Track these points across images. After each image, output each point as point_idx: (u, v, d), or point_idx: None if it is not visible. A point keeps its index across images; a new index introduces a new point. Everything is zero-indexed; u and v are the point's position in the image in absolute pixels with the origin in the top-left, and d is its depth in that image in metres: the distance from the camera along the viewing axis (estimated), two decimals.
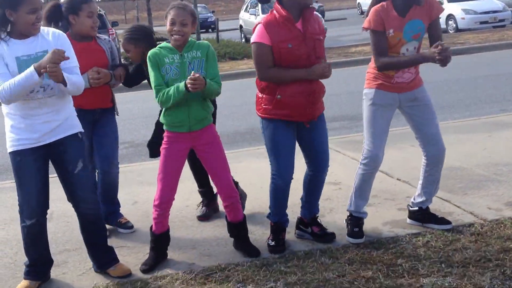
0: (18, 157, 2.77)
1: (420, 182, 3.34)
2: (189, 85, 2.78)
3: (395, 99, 3.15)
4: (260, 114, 3.08)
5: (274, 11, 2.97)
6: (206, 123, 3.00)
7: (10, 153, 2.79)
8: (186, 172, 4.12)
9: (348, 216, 3.28)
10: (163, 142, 3.01)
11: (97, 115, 3.43)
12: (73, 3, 3.28)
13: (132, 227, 3.59)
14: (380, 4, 3.07)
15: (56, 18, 3.30)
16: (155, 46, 3.03)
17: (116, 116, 3.63)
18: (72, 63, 2.79)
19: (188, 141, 2.99)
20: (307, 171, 3.19)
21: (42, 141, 2.77)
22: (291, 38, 2.91)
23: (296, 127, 3.07)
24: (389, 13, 3.03)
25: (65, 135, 2.82)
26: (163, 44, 2.99)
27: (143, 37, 3.39)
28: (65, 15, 3.30)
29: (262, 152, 4.90)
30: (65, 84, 2.67)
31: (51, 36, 2.79)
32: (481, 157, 4.57)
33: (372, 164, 3.19)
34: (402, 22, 3.03)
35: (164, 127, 3.02)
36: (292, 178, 3.12)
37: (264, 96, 3.04)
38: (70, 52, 2.80)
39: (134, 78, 3.59)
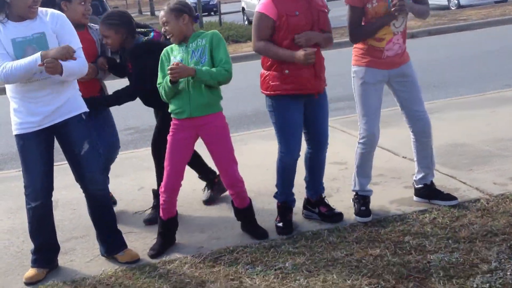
0: (21, 140, 2.78)
1: (415, 158, 3.37)
2: (168, 74, 2.81)
3: (385, 75, 3.16)
4: (267, 92, 3.07)
5: None
6: (210, 111, 2.95)
7: (14, 136, 2.81)
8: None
9: (354, 196, 3.29)
10: (170, 130, 3.01)
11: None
12: None
13: (115, 202, 3.69)
14: None
15: (48, 4, 3.25)
16: (135, 33, 3.07)
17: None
18: (75, 45, 2.77)
19: (192, 129, 2.97)
20: (307, 150, 3.21)
21: (43, 124, 2.77)
22: (298, 7, 2.94)
23: (303, 103, 3.07)
24: None
25: (68, 117, 2.81)
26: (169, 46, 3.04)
27: (123, 23, 3.28)
28: (57, 1, 3.25)
29: (267, 134, 4.91)
30: (61, 74, 2.67)
31: (49, 17, 2.76)
32: (486, 133, 4.55)
33: (369, 143, 3.20)
34: None
35: (172, 115, 3.03)
36: (300, 156, 3.12)
37: (270, 73, 3.04)
38: (72, 33, 2.80)
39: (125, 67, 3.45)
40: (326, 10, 3.07)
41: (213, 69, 2.88)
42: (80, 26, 3.31)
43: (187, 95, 2.91)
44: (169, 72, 2.82)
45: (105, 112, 3.56)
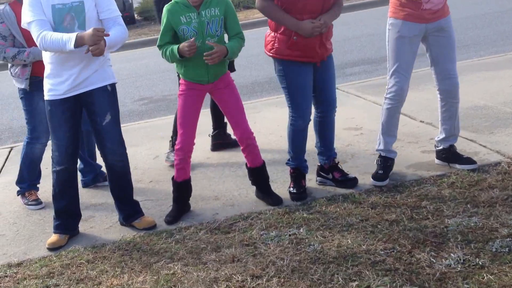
0: (49, 106, 2.85)
1: (439, 118, 3.29)
2: (207, 61, 2.79)
3: (422, 29, 3.06)
4: (272, 54, 3.02)
5: None
6: (221, 74, 2.98)
7: (45, 100, 2.88)
8: (205, 124, 4.12)
9: (378, 157, 3.25)
10: (180, 89, 3.00)
11: None
12: None
13: (41, 203, 3.52)
14: None
15: None
16: None
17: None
18: (113, 12, 2.81)
19: (206, 88, 3.00)
20: (316, 114, 3.17)
21: (69, 92, 2.81)
22: None
23: (312, 67, 3.03)
24: None
25: (93, 87, 2.84)
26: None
27: None
28: None
29: (280, 100, 4.85)
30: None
31: None
32: (508, 94, 4.42)
33: (397, 98, 3.15)
34: None
35: (181, 76, 3.00)
36: (311, 120, 3.10)
37: (277, 35, 2.98)
38: (108, 1, 2.81)
39: None
40: None
41: (235, 43, 2.90)
42: None
43: (204, 66, 2.87)
44: (209, 58, 2.79)
45: None
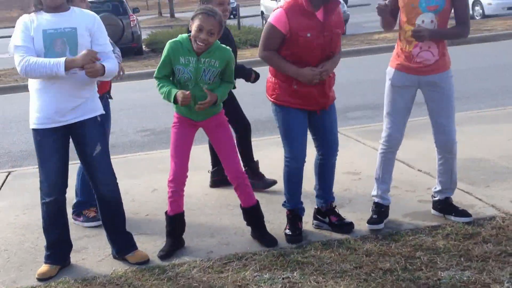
0: (38, 136, 2.84)
1: (437, 171, 3.33)
2: (197, 109, 2.88)
3: (414, 81, 3.13)
4: (273, 100, 3.09)
5: None
6: (212, 114, 3.02)
7: (32, 129, 2.87)
8: (205, 160, 4.15)
9: (373, 203, 3.29)
10: (173, 122, 3.06)
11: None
12: None
13: (99, 219, 3.43)
14: None
15: None
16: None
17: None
18: (105, 48, 2.86)
19: (196, 124, 3.06)
20: (317, 156, 3.21)
21: (61, 122, 2.82)
22: (311, 28, 2.90)
23: (308, 112, 3.09)
24: None
25: (84, 118, 2.86)
26: (185, 37, 2.94)
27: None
28: None
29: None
30: (102, 75, 2.76)
31: (86, 17, 2.83)
32: (506, 149, 4.47)
33: (389, 144, 3.20)
34: None
35: (173, 110, 3.06)
36: (305, 162, 3.13)
37: (278, 82, 3.05)
38: (105, 35, 2.87)
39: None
40: (340, 32, 3.03)
41: (225, 89, 3.00)
42: None
43: (191, 104, 2.92)
44: (201, 108, 2.86)
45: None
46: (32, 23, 2.74)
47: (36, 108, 2.83)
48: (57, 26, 2.75)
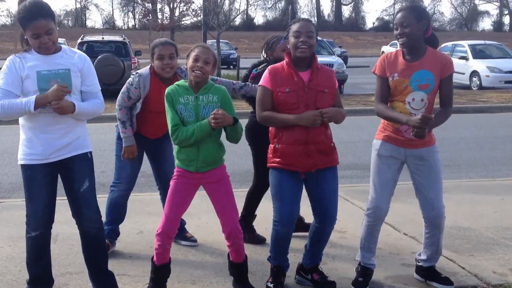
0: (28, 171, 2.86)
1: (423, 240, 3.34)
2: (212, 122, 2.86)
3: (401, 153, 3.16)
4: (268, 163, 3.14)
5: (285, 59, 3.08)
6: (216, 166, 3.04)
7: (20, 165, 2.89)
8: (192, 206, 4.17)
9: (358, 265, 3.28)
10: (173, 176, 3.07)
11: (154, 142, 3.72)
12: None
13: (195, 241, 3.89)
14: (392, 52, 3.19)
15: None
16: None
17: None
18: (94, 88, 2.94)
19: (196, 179, 3.04)
20: (314, 222, 3.18)
21: (52, 158, 2.85)
22: (291, 84, 3.00)
23: (298, 176, 3.08)
24: (397, 59, 3.12)
25: (75, 154, 2.90)
26: (181, 82, 3.08)
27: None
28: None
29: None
30: (72, 112, 2.79)
31: (77, 57, 2.91)
32: (492, 220, 4.51)
33: (374, 216, 3.20)
34: (409, 68, 3.07)
35: (175, 163, 3.08)
36: (294, 228, 3.13)
37: (271, 145, 3.13)
38: (93, 76, 2.93)
39: None
40: (328, 91, 3.03)
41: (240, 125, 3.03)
42: (168, 79, 3.54)
43: (195, 150, 2.97)
44: (212, 119, 2.86)
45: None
46: (24, 63, 2.78)
47: (26, 143, 2.86)
48: (51, 68, 2.80)
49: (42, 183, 2.86)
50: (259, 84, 3.12)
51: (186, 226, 3.99)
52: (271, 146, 3.12)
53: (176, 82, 3.08)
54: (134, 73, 3.64)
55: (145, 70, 3.63)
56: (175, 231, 3.05)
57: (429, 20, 3.14)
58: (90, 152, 3.00)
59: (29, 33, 2.75)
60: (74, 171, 2.91)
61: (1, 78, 2.78)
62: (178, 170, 3.05)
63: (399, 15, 3.11)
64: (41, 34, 2.74)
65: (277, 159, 3.06)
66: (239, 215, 3.89)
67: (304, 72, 3.05)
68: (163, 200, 3.68)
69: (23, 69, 2.78)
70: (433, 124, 3.04)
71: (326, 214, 3.11)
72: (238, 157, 6.79)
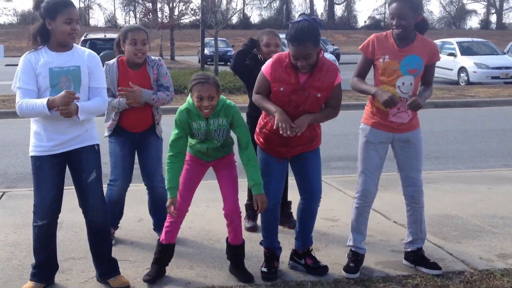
0: (38, 162, 2.96)
1: (406, 222, 3.49)
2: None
3: (389, 137, 3.31)
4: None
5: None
6: (226, 153, 3.24)
7: (31, 156, 3.00)
8: (196, 195, 4.27)
9: (349, 251, 3.42)
10: (185, 160, 3.18)
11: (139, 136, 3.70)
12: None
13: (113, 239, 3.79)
14: (382, 33, 3.29)
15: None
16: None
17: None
18: (100, 84, 3.03)
19: (207, 164, 3.25)
20: (300, 201, 3.32)
21: (60, 149, 2.96)
22: (286, 83, 3.08)
23: (281, 161, 3.24)
24: (387, 41, 3.23)
25: (82, 146, 3.00)
26: (191, 105, 3.05)
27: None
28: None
29: None
30: (77, 115, 2.88)
31: (87, 55, 3.01)
32: (479, 208, 4.66)
33: (364, 198, 3.34)
34: (400, 53, 3.19)
35: (188, 150, 3.22)
36: (279, 202, 3.28)
37: (260, 120, 3.28)
38: (102, 73, 3.04)
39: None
40: (319, 95, 3.05)
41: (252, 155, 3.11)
42: (137, 66, 3.61)
43: (204, 150, 3.17)
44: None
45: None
46: (38, 60, 2.89)
47: (36, 136, 2.97)
48: (63, 64, 2.91)
49: (50, 174, 2.95)
50: (262, 68, 3.20)
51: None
52: (259, 124, 3.26)
53: (187, 104, 3.06)
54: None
55: (112, 60, 3.71)
56: (186, 209, 3.20)
57: (422, 8, 3.26)
58: (98, 145, 3.09)
59: (63, 18, 2.86)
60: (82, 162, 3.00)
61: (19, 77, 2.89)
62: (190, 156, 3.22)
63: (395, 5, 3.17)
64: (74, 20, 2.88)
65: (261, 140, 3.24)
66: (245, 203, 4.05)
67: (304, 74, 3.08)
68: (151, 201, 3.81)
69: (37, 66, 2.89)
70: (423, 100, 3.20)
71: (312, 192, 3.26)
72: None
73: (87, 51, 3.07)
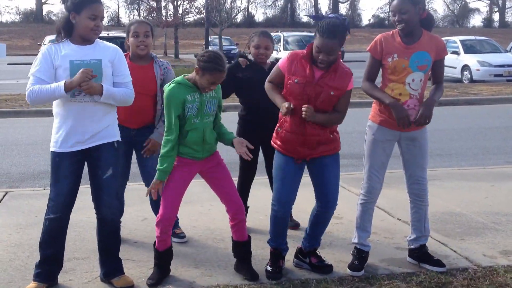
0: (57, 158, 2.97)
1: (410, 219, 3.50)
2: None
3: (396, 135, 3.32)
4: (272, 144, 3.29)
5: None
6: (213, 152, 3.20)
7: (51, 151, 3.01)
8: (195, 194, 4.30)
9: (354, 248, 3.42)
10: (175, 163, 3.11)
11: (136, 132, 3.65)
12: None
13: (184, 237, 3.81)
14: (388, 32, 3.30)
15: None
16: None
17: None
18: (125, 79, 3.04)
19: (198, 166, 3.16)
20: (315, 205, 3.30)
21: (80, 146, 2.97)
22: (301, 75, 3.08)
23: (299, 161, 3.20)
24: (394, 40, 3.24)
25: (102, 142, 3.00)
26: (180, 80, 3.05)
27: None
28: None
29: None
30: (101, 94, 2.89)
31: (110, 50, 3.02)
32: (482, 205, 4.66)
33: (369, 195, 3.36)
34: (408, 50, 3.19)
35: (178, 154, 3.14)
36: (291, 208, 3.27)
37: (277, 125, 3.26)
38: (124, 67, 3.04)
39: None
40: (333, 93, 3.04)
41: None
42: (145, 59, 3.60)
43: (201, 138, 3.09)
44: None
45: None
46: (58, 52, 2.91)
47: (58, 132, 2.97)
48: (84, 58, 2.92)
49: (69, 169, 2.97)
50: (278, 63, 3.24)
51: (188, 214, 4.11)
52: (276, 127, 3.24)
53: (175, 80, 3.07)
54: None
55: None
56: (174, 217, 3.15)
57: (424, 3, 3.26)
58: (117, 141, 3.08)
59: (88, 14, 2.88)
60: (100, 159, 3.00)
61: (36, 65, 2.91)
62: (181, 160, 3.12)
63: (395, 1, 3.20)
64: (98, 17, 2.90)
65: (279, 142, 3.20)
66: None
67: (320, 70, 3.08)
68: (153, 199, 3.74)
69: (57, 58, 2.90)
70: (434, 101, 3.22)
71: (328, 199, 3.23)
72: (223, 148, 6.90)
73: (112, 46, 3.07)
